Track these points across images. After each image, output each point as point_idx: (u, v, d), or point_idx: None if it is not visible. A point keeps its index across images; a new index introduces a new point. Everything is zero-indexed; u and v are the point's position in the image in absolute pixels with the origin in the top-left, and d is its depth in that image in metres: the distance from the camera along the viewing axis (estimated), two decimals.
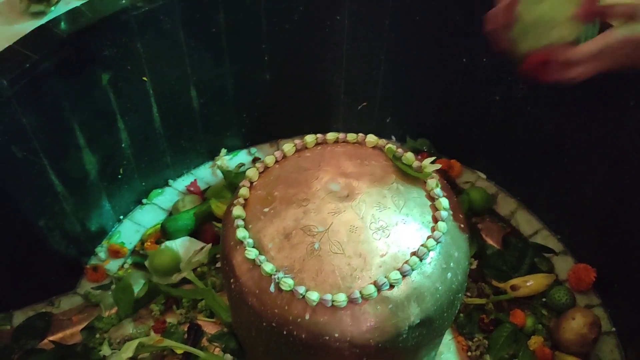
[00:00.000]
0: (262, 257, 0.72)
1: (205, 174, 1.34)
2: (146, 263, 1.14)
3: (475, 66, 1.15)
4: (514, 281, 1.12)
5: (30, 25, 0.96)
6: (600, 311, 1.10)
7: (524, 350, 1.04)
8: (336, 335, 0.69)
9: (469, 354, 1.05)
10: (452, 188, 0.95)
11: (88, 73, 1.00)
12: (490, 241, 1.22)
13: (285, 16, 1.16)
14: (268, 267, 0.70)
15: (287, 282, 0.69)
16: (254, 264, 0.72)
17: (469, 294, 1.11)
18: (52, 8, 0.98)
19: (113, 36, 1.00)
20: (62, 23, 0.96)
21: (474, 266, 1.15)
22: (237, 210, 0.77)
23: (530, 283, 1.11)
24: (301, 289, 0.69)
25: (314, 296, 0.68)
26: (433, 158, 0.80)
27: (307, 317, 0.69)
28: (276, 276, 0.70)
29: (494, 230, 1.25)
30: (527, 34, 0.67)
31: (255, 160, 1.36)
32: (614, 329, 1.08)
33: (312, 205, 0.75)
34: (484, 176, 1.33)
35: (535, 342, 1.05)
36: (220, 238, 1.15)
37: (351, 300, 0.68)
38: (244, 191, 0.79)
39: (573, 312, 1.05)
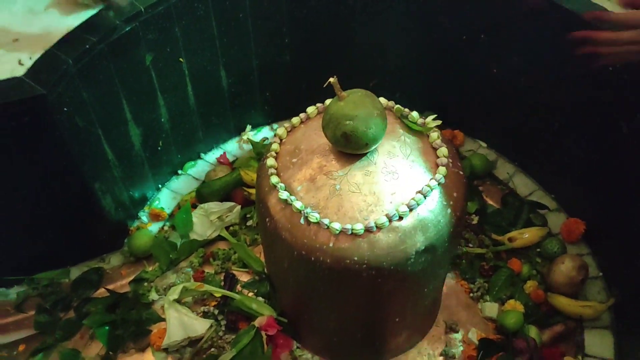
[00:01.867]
0: (292, 197, 0.86)
1: (232, 148, 1.49)
2: (126, 244, 1.29)
3: (475, 42, 1.29)
4: (511, 234, 1.25)
5: (85, 14, 1.10)
6: (589, 259, 1.24)
7: (520, 292, 1.18)
8: (355, 259, 0.83)
9: (471, 295, 1.19)
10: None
11: (135, 54, 1.14)
12: (490, 201, 1.36)
13: (304, 1, 1.29)
14: (298, 204, 0.85)
15: (314, 216, 0.84)
16: (286, 204, 0.87)
17: (470, 244, 1.25)
18: None
19: (156, 22, 1.14)
20: (113, 11, 1.11)
21: (475, 222, 1.29)
22: (270, 161, 0.91)
23: (526, 235, 1.25)
24: (326, 221, 0.83)
25: (336, 226, 0.82)
26: (434, 115, 0.94)
27: (331, 244, 0.83)
28: (305, 211, 0.84)
29: (494, 192, 1.38)
30: None
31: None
32: (600, 274, 1.22)
33: (333, 155, 0.89)
34: (484, 144, 1.46)
35: (530, 285, 1.19)
36: (248, 200, 1.31)
37: (367, 229, 0.83)
38: (275, 146, 0.94)
39: (563, 258, 1.18)
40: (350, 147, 0.85)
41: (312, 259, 0.85)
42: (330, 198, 0.85)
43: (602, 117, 1.15)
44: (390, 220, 0.83)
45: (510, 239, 1.25)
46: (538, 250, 1.25)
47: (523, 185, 1.38)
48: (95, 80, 1.08)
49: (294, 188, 0.88)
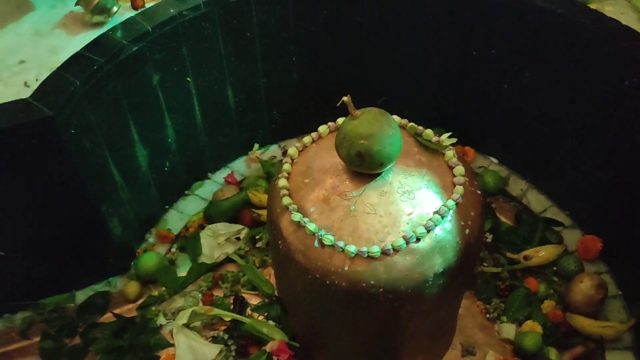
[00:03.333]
0: (305, 219, 0.84)
1: (240, 167, 1.47)
2: (133, 267, 1.26)
3: (484, 58, 1.27)
4: (527, 252, 1.23)
5: (92, 34, 1.09)
6: (607, 277, 1.21)
7: (538, 312, 1.15)
8: (372, 282, 0.80)
9: (488, 316, 1.16)
10: None
11: (142, 74, 1.13)
12: (504, 219, 1.33)
13: (311, 20, 1.28)
14: (311, 226, 0.83)
15: (329, 238, 0.81)
16: (299, 226, 0.84)
17: (485, 263, 1.22)
18: (110, 19, 1.12)
19: (163, 42, 1.13)
20: (120, 31, 1.10)
21: (489, 240, 1.26)
22: (282, 182, 0.89)
23: (542, 253, 1.22)
24: (341, 244, 0.81)
25: (352, 249, 0.80)
26: (449, 133, 0.92)
27: (346, 267, 0.81)
28: (319, 234, 0.82)
29: (507, 208, 1.36)
30: None
31: (285, 152, 1.48)
32: (620, 292, 1.19)
33: (346, 174, 0.87)
34: (495, 161, 1.44)
35: (547, 305, 1.16)
36: (256, 221, 1.29)
37: (384, 252, 0.80)
38: (286, 166, 0.92)
39: (581, 276, 1.15)
40: (365, 167, 0.82)
41: (327, 282, 0.82)
42: (345, 219, 0.83)
43: (617, 132, 1.12)
44: (407, 242, 0.80)
45: (525, 257, 1.22)
46: (554, 268, 1.22)
47: (536, 201, 1.35)
48: (102, 101, 1.07)
49: (307, 209, 0.86)
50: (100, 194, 1.13)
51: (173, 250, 1.31)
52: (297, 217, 0.84)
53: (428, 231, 0.81)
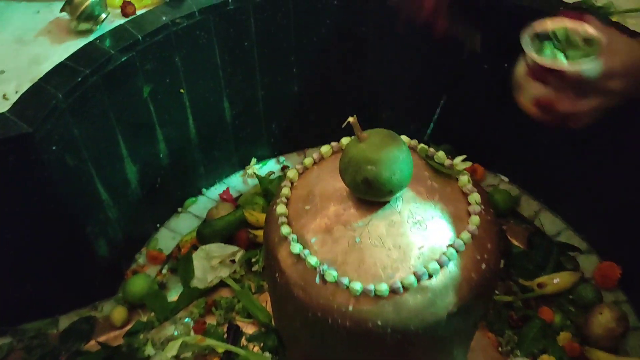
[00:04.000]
0: (306, 251, 0.76)
1: (236, 183, 1.40)
2: (120, 290, 1.18)
3: (496, 71, 1.20)
4: (541, 279, 1.15)
5: (78, 42, 1.02)
6: (627, 307, 1.13)
7: (554, 345, 1.07)
8: (379, 322, 0.72)
9: (500, 349, 1.08)
10: None
11: (131, 86, 1.06)
12: (515, 242, 1.25)
13: (313, 29, 1.21)
14: (312, 260, 0.75)
15: (332, 274, 0.73)
16: (299, 258, 0.76)
17: (497, 291, 1.14)
18: (98, 26, 1.04)
19: (154, 51, 1.06)
20: (108, 40, 1.03)
21: (500, 265, 1.19)
22: (281, 208, 0.81)
23: (557, 280, 1.15)
24: (345, 280, 0.73)
25: (357, 286, 0.72)
26: (463, 156, 0.84)
27: (350, 307, 0.73)
28: (321, 268, 0.74)
29: (519, 231, 1.28)
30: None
31: (284, 168, 1.41)
32: None
33: (351, 201, 0.79)
34: (506, 179, 1.37)
35: (564, 337, 1.08)
36: (253, 242, 1.21)
37: (392, 290, 0.72)
38: (285, 190, 0.84)
39: (600, 308, 1.08)
40: (372, 195, 0.75)
41: (329, 321, 0.74)
42: (350, 252, 0.75)
43: (636, 150, 1.05)
44: (418, 280, 0.73)
45: (539, 285, 1.14)
46: (570, 297, 1.14)
47: (550, 223, 1.28)
48: (87, 115, 0.99)
49: (307, 240, 0.78)
50: (84, 213, 1.06)
51: (164, 272, 1.24)
52: (296, 248, 0.76)
53: (441, 267, 0.74)
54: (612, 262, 1.16)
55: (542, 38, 0.69)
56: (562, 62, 0.65)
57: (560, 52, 0.68)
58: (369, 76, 1.31)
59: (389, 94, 1.34)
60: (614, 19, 1.04)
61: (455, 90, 1.29)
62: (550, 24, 0.68)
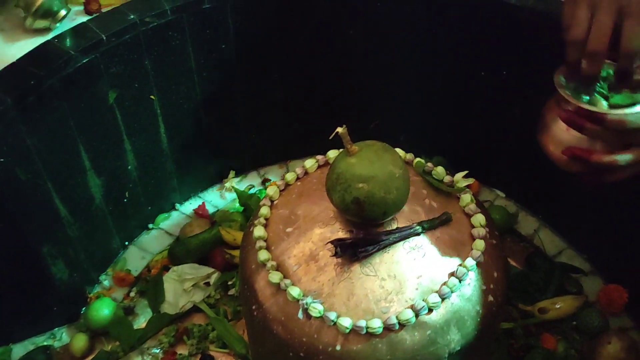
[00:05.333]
0: (287, 281, 0.66)
1: (213, 197, 1.29)
2: (82, 316, 1.08)
3: (494, 79, 1.12)
4: (542, 304, 1.06)
5: (34, 42, 0.91)
6: (635, 335, 1.05)
7: None
8: None
9: None
10: None
11: (95, 91, 0.96)
12: (513, 262, 1.17)
13: (298, 32, 1.12)
14: (294, 291, 0.65)
15: (317, 308, 0.64)
16: (279, 289, 0.67)
17: None
18: (57, 24, 0.94)
19: (121, 53, 0.96)
20: (68, 39, 0.92)
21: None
22: (259, 231, 0.72)
23: (559, 305, 1.06)
24: (332, 315, 0.63)
25: (346, 322, 0.63)
26: (465, 172, 0.75)
27: (338, 347, 0.64)
28: (304, 301, 0.64)
29: (517, 250, 1.19)
30: None
31: (265, 181, 1.31)
32: None
33: (340, 224, 0.70)
34: (502, 194, 1.29)
35: None
36: (229, 263, 1.11)
37: (387, 327, 0.63)
38: (264, 210, 0.74)
39: (608, 337, 0.99)
40: (364, 216, 0.65)
41: None
42: (337, 283, 0.66)
43: None
44: (417, 315, 0.63)
45: (541, 310, 1.05)
46: (574, 323, 1.06)
47: (550, 242, 1.19)
48: (43, 123, 0.89)
49: (288, 267, 0.68)
50: (40, 233, 0.95)
51: (132, 294, 1.13)
52: (276, 277, 0.67)
53: (443, 299, 0.64)
54: (618, 285, 1.08)
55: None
56: (604, 107, 0.57)
57: (600, 96, 0.60)
58: (358, 82, 1.22)
59: (379, 102, 1.26)
60: None
61: (452, 99, 1.21)
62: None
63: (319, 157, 0.79)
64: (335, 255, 0.65)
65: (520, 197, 1.27)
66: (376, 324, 0.62)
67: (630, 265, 1.08)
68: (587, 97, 0.60)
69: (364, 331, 0.63)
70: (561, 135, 0.62)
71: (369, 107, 1.26)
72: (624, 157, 0.57)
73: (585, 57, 0.58)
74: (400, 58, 1.17)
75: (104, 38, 0.93)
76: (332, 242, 0.65)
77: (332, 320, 0.63)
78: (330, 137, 0.64)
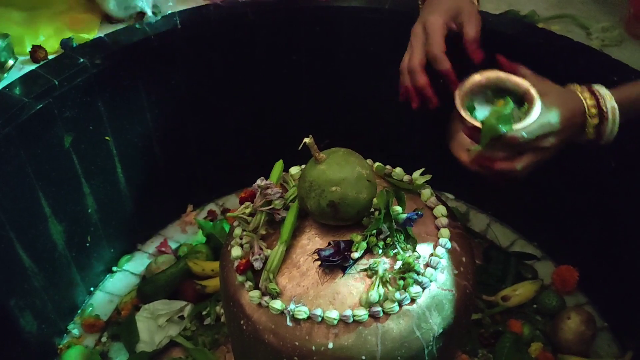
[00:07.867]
0: (266, 298, 0.69)
1: (174, 233, 1.29)
2: None
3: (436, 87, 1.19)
4: (503, 292, 1.13)
5: None
6: (590, 309, 1.12)
7: (528, 358, 1.04)
8: (363, 358, 0.66)
9: None
10: None
11: (50, 136, 0.95)
12: None
13: (245, 60, 1.16)
14: (277, 304, 0.67)
15: (302, 310, 0.66)
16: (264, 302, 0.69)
17: None
18: (6, 75, 0.94)
19: (73, 96, 0.97)
20: (19, 87, 0.92)
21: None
22: (236, 251, 0.74)
23: (519, 292, 1.13)
24: (318, 311, 0.66)
25: (333, 314, 0.66)
26: (421, 170, 0.81)
27: (330, 344, 0.66)
28: (289, 309, 0.67)
29: (473, 246, 1.25)
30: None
31: (225, 211, 1.32)
32: (606, 324, 1.10)
33: (314, 230, 0.73)
34: (452, 196, 1.35)
35: (535, 348, 1.05)
36: (201, 294, 1.11)
37: (372, 315, 0.66)
38: (238, 231, 0.77)
39: (567, 312, 1.06)
40: (339, 218, 0.69)
41: None
42: (321, 284, 0.69)
43: (581, 154, 1.06)
44: (400, 305, 0.67)
45: (503, 298, 1.12)
46: (535, 306, 1.13)
47: (502, 235, 1.27)
48: (1, 173, 0.88)
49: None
50: (6, 285, 0.93)
51: (104, 340, 1.10)
52: (255, 296, 0.69)
53: (423, 288, 0.69)
54: (568, 265, 1.16)
55: (475, 92, 0.68)
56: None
57: (492, 106, 0.67)
58: (306, 105, 1.27)
59: (327, 121, 1.30)
60: (540, 25, 1.06)
61: (395, 109, 1.27)
62: (479, 77, 0.68)
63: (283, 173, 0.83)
64: (321, 266, 0.68)
65: (469, 197, 1.34)
66: (361, 313, 0.66)
67: (577, 246, 1.16)
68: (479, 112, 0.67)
69: (351, 320, 0.65)
70: (467, 143, 0.69)
71: (319, 127, 1.30)
72: (520, 164, 0.67)
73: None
74: (345, 77, 1.23)
75: (56, 83, 0.93)
76: (316, 253, 0.68)
77: (320, 316, 0.66)
78: (300, 148, 0.68)
